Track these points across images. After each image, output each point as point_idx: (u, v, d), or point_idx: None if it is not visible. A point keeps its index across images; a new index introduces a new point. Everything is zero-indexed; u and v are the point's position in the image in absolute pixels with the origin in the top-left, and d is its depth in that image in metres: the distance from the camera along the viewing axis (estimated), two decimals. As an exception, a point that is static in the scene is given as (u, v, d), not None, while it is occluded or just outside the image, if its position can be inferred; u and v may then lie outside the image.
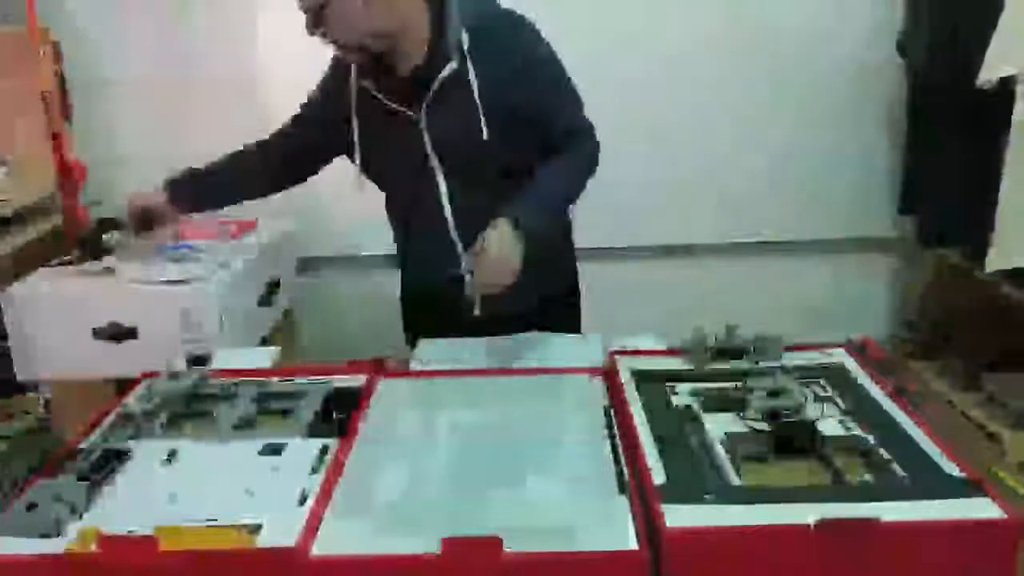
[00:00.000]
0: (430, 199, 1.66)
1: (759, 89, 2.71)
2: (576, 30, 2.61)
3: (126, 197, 1.82)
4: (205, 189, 1.81)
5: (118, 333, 1.99)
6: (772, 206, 2.82)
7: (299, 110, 1.78)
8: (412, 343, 1.68)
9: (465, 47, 1.55)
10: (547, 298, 1.72)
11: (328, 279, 2.84)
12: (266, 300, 2.36)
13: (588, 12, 2.63)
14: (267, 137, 1.81)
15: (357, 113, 1.64)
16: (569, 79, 1.64)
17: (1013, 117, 2.09)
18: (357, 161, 1.67)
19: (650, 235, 2.84)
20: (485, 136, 1.56)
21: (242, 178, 1.81)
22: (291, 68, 2.64)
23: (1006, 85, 2.11)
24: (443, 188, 1.65)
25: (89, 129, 2.68)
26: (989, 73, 2.13)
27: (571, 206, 1.69)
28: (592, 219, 2.74)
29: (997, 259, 2.18)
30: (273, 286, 2.41)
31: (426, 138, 1.61)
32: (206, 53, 2.66)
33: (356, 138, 1.65)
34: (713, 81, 2.71)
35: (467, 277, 1.49)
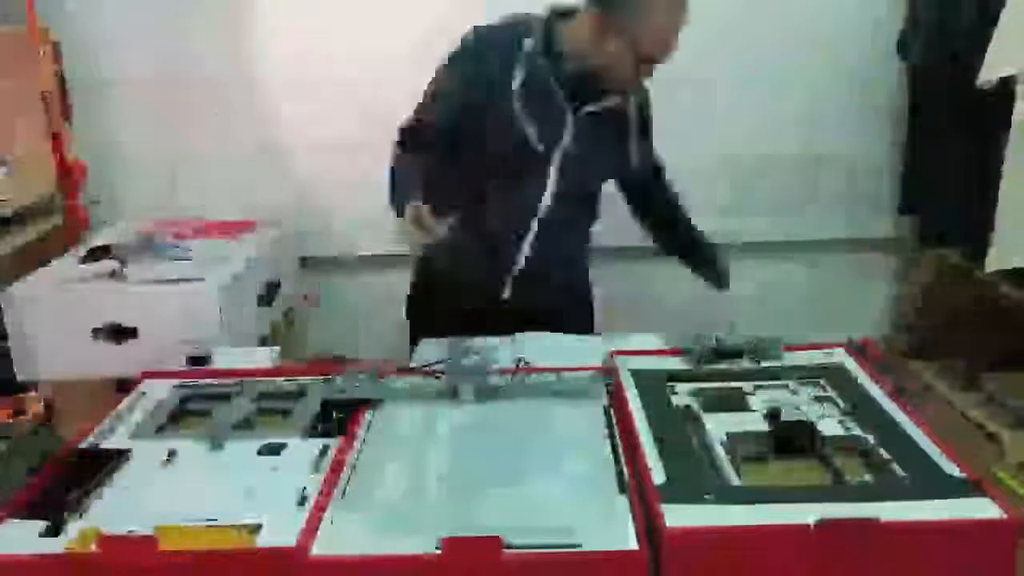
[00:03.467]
0: (522, 200, 1.74)
1: (759, 90, 2.71)
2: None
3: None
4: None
5: (118, 333, 1.99)
6: (772, 206, 2.81)
7: (435, 101, 1.73)
8: (414, 341, 1.69)
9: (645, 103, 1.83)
10: (568, 297, 1.86)
11: (328, 279, 2.84)
12: (266, 300, 2.36)
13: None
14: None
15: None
16: None
17: (1013, 117, 2.09)
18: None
19: (650, 235, 2.84)
20: (633, 163, 1.82)
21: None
22: (291, 68, 2.67)
23: (1006, 85, 2.11)
24: (549, 192, 1.74)
25: (89, 129, 2.67)
26: (989, 73, 2.13)
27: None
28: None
29: (997, 259, 2.18)
30: (273, 286, 2.41)
31: (556, 159, 1.71)
32: (206, 53, 2.66)
33: (517, 111, 1.66)
34: (713, 82, 2.70)
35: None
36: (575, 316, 1.87)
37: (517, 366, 1.45)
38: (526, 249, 1.77)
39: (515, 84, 1.65)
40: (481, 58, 1.68)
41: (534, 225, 1.76)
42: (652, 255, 2.85)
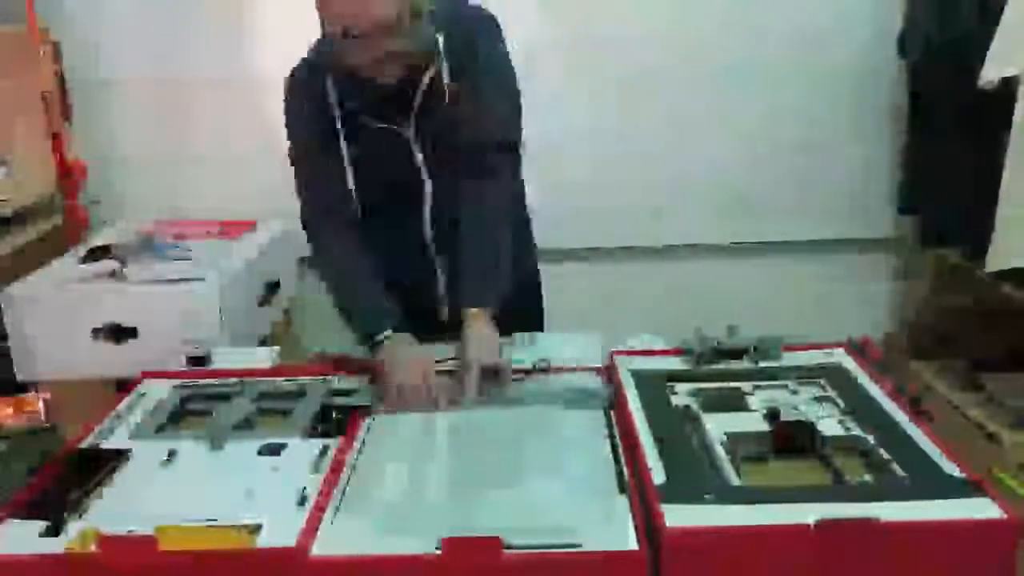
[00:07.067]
0: (409, 202, 1.61)
1: (760, 90, 2.71)
2: (577, 33, 2.63)
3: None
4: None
5: (118, 333, 1.99)
6: (772, 206, 2.81)
7: (309, 159, 1.71)
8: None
9: (441, 52, 1.49)
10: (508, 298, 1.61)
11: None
12: (266, 300, 2.37)
13: (587, 15, 2.63)
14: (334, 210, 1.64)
15: (345, 136, 1.59)
16: (516, 88, 1.60)
17: (1014, 117, 2.09)
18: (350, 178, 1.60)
19: (650, 235, 2.84)
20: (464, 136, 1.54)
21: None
22: (290, 68, 2.66)
23: (1007, 85, 2.11)
24: (428, 191, 1.60)
25: (89, 129, 2.68)
26: (990, 73, 2.13)
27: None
28: (593, 220, 2.76)
29: (997, 259, 2.18)
30: (273, 286, 2.41)
31: (415, 148, 1.57)
32: (206, 53, 2.66)
33: (346, 160, 1.59)
34: (713, 82, 2.70)
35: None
36: (522, 316, 1.70)
37: (534, 367, 1.45)
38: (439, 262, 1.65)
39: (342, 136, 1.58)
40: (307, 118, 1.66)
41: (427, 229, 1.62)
42: (652, 255, 2.89)
